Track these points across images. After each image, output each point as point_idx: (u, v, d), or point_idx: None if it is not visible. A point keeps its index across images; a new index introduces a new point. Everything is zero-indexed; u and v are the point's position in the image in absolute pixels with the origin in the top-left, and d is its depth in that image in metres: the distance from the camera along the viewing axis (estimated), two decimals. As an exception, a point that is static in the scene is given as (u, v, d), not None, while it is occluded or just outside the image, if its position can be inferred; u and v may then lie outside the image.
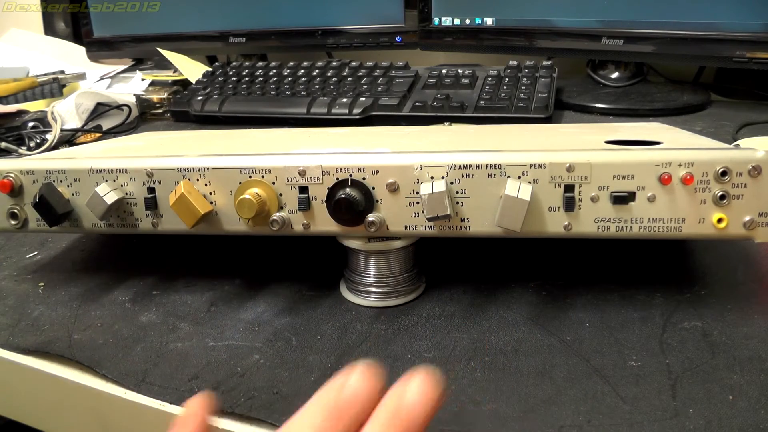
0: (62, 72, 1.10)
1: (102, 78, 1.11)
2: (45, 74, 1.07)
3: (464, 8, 0.91)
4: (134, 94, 0.96)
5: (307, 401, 0.21)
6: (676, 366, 0.31)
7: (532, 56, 0.89)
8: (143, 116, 0.96)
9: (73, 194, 0.40)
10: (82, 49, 1.21)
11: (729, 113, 0.80)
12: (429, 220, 0.34)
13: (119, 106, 0.89)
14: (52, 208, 0.39)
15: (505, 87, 0.80)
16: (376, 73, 0.89)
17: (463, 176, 0.34)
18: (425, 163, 0.35)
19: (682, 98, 0.83)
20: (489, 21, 0.89)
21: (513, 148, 0.36)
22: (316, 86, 0.89)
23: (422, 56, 1.03)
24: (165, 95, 0.96)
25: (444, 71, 0.87)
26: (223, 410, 0.31)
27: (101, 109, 0.86)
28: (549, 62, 0.85)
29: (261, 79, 0.94)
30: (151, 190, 0.38)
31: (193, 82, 0.98)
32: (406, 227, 0.36)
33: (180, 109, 0.91)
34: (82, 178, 0.40)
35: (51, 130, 0.78)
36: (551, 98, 0.77)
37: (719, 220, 0.33)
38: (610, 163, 0.33)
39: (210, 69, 1.00)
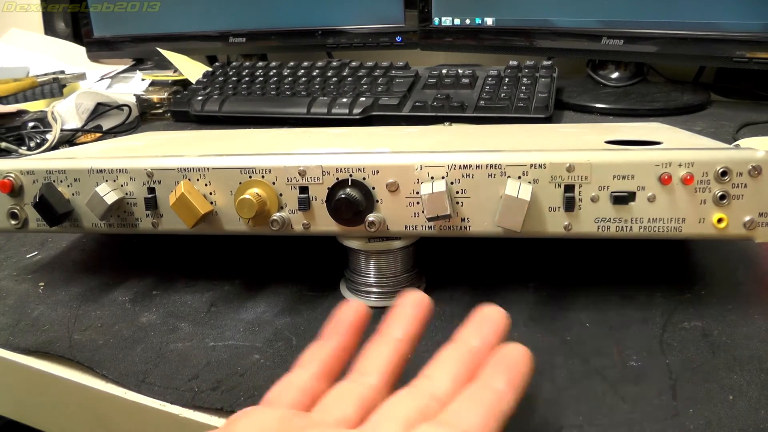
0: (62, 72, 1.10)
1: (102, 78, 1.11)
2: (45, 74, 1.07)
3: (464, 8, 0.91)
4: (134, 94, 0.96)
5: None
6: (676, 366, 0.31)
7: (532, 56, 0.89)
8: (143, 116, 0.96)
9: (73, 194, 0.40)
10: (82, 49, 1.21)
11: (729, 113, 0.80)
12: (429, 220, 0.34)
13: (119, 106, 0.89)
14: (52, 208, 0.39)
15: (505, 87, 0.80)
16: (376, 73, 0.89)
17: (463, 176, 0.34)
18: (425, 163, 0.35)
19: (682, 98, 0.83)
20: (489, 21, 0.89)
21: (513, 148, 0.36)
22: (316, 86, 0.89)
23: (422, 56, 1.03)
24: (165, 95, 0.96)
25: (444, 71, 0.87)
26: (222, 409, 0.31)
27: (101, 109, 0.86)
28: (549, 62, 0.85)
29: (261, 79, 0.94)
30: (151, 190, 0.38)
31: (193, 82, 0.98)
32: (406, 227, 0.36)
33: (180, 109, 0.91)
34: (82, 178, 0.40)
35: (51, 130, 0.78)
36: (551, 98, 0.77)
37: (719, 220, 0.33)
38: (610, 163, 0.33)
39: (210, 69, 1.00)
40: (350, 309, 0.29)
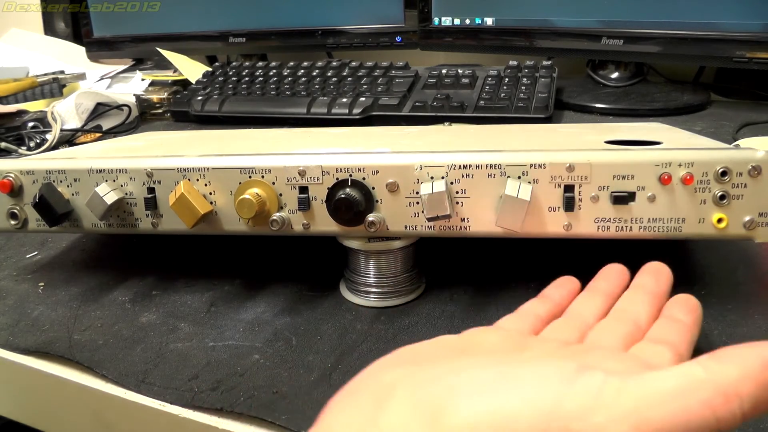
0: (62, 72, 1.10)
1: (102, 78, 1.11)
2: (45, 74, 1.07)
3: (464, 8, 0.91)
4: (134, 94, 0.96)
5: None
6: (676, 366, 0.31)
7: (532, 56, 0.89)
8: (143, 116, 0.96)
9: (73, 194, 0.40)
10: (82, 49, 1.21)
11: (729, 113, 0.80)
12: (429, 220, 0.34)
13: (119, 106, 0.89)
14: (52, 208, 0.39)
15: (505, 87, 0.80)
16: (376, 73, 0.89)
17: (463, 176, 0.34)
18: (425, 163, 0.35)
19: (682, 98, 0.83)
20: (489, 21, 0.89)
21: (513, 148, 0.36)
22: (316, 86, 0.89)
23: (422, 56, 1.03)
24: (165, 95, 0.96)
25: (444, 71, 0.87)
26: (222, 409, 0.31)
27: (101, 109, 0.86)
28: (549, 62, 0.85)
29: (261, 79, 0.94)
30: (151, 190, 0.38)
31: (193, 82, 0.98)
32: (406, 227, 0.36)
33: (180, 109, 0.91)
34: (82, 178, 0.40)
35: (51, 130, 0.78)
36: (551, 98, 0.77)
37: (719, 220, 0.33)
38: (610, 163, 0.33)
39: (210, 69, 1.00)
40: (565, 278, 0.35)
